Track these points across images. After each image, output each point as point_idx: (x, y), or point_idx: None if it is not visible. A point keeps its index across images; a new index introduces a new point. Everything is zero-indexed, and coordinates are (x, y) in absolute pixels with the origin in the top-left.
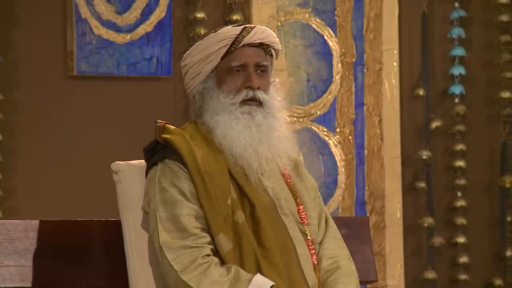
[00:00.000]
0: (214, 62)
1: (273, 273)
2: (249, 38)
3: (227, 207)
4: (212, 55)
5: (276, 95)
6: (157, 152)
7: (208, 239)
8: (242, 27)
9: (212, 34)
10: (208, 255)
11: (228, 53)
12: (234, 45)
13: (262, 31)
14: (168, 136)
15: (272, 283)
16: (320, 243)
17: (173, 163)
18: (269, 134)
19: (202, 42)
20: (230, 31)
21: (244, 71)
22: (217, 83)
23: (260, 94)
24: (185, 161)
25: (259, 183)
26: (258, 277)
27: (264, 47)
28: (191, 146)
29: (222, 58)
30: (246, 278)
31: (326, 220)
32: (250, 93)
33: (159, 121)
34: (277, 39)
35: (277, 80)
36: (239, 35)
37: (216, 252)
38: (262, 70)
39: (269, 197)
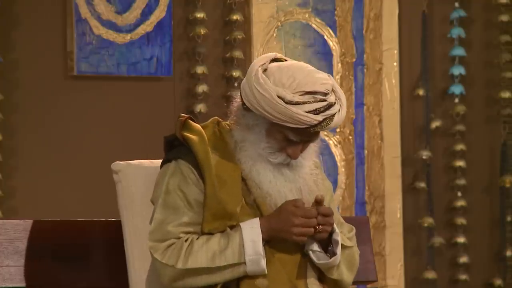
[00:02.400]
0: (281, 121)
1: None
2: (323, 129)
3: (235, 214)
4: (280, 120)
5: (313, 146)
6: (175, 147)
7: (190, 234)
8: (322, 118)
9: (304, 95)
10: (185, 237)
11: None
12: (304, 129)
13: (339, 120)
14: (187, 134)
15: (257, 218)
16: None
17: (186, 165)
18: (296, 181)
19: (287, 105)
20: (309, 120)
21: (292, 143)
22: (268, 131)
23: (295, 161)
24: (200, 164)
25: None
26: (243, 222)
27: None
28: (208, 149)
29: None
30: (233, 231)
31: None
32: (287, 161)
33: (182, 115)
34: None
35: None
36: (317, 125)
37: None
38: (308, 141)
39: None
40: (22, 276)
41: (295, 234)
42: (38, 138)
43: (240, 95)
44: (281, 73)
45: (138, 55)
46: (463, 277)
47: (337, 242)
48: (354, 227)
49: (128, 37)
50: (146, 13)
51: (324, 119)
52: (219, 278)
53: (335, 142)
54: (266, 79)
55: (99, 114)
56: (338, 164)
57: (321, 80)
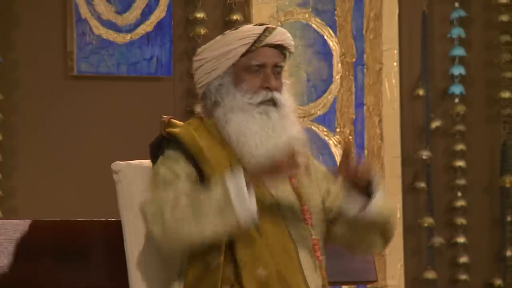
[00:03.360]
0: (233, 59)
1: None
2: (270, 39)
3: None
4: (232, 52)
5: (289, 96)
6: (162, 147)
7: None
8: (264, 26)
9: (232, 31)
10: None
11: (248, 51)
12: (256, 44)
13: (283, 32)
14: (172, 129)
15: (240, 167)
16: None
17: (173, 153)
18: (282, 136)
19: (222, 38)
20: (252, 30)
21: (262, 71)
22: (234, 80)
23: (277, 96)
24: (188, 148)
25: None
26: (227, 173)
27: (281, 49)
28: (195, 137)
29: (241, 56)
30: (216, 179)
31: None
32: (269, 95)
33: (164, 116)
34: (293, 42)
35: (287, 81)
36: (261, 34)
37: None
38: (278, 71)
39: (269, 195)
40: (22, 276)
41: (281, 169)
42: (38, 138)
43: (201, 98)
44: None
45: (138, 55)
46: (463, 277)
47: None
48: None
49: (128, 37)
50: (146, 13)
51: (266, 28)
52: (210, 228)
53: (335, 142)
54: (202, 49)
55: (99, 114)
56: (338, 164)
57: None
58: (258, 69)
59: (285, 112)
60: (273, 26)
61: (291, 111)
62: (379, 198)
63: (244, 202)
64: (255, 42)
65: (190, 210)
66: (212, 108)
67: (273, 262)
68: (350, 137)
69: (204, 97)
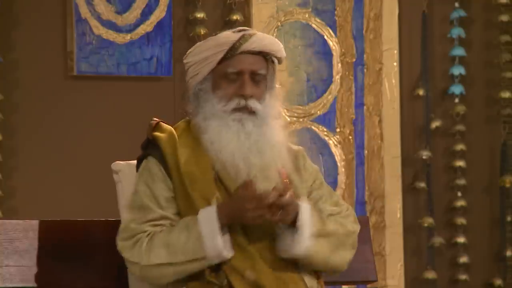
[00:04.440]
0: (212, 65)
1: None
2: (247, 46)
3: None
4: (210, 58)
5: (272, 103)
6: (148, 147)
7: (156, 228)
8: (241, 33)
9: (213, 36)
10: (149, 231)
11: (225, 58)
12: (231, 51)
13: (262, 38)
14: (156, 133)
15: (214, 206)
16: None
17: (154, 163)
18: (260, 142)
19: (203, 43)
20: (229, 37)
21: (239, 78)
22: (212, 86)
23: (253, 104)
24: (166, 160)
25: None
26: (201, 212)
27: (264, 55)
28: (176, 146)
29: (219, 63)
30: (192, 222)
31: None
32: (242, 102)
33: (154, 119)
34: (280, 46)
35: (278, 86)
36: (237, 41)
37: None
38: (258, 79)
39: (255, 179)
40: (22, 276)
41: (250, 219)
42: (38, 138)
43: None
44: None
45: (138, 55)
46: (463, 277)
47: (300, 227)
48: (351, 208)
49: (128, 37)
50: (146, 13)
51: (242, 36)
52: (186, 270)
53: (335, 142)
54: (186, 57)
55: (99, 114)
56: (338, 164)
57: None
58: (236, 76)
59: (263, 119)
60: (253, 32)
61: (272, 117)
62: (306, 238)
63: (218, 254)
64: (230, 49)
65: (164, 259)
66: (195, 113)
67: (264, 264)
68: (350, 137)
69: (189, 101)
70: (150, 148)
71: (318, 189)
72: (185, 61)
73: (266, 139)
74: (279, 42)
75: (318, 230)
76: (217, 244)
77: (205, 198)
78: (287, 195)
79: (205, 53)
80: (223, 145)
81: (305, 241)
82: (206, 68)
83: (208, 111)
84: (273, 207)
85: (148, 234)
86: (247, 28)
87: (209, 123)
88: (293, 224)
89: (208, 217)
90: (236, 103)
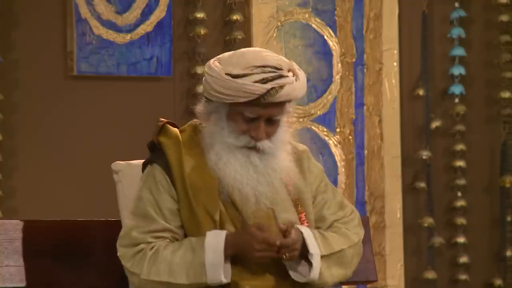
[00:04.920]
0: (231, 102)
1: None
2: (272, 99)
3: (214, 222)
4: (231, 97)
5: (283, 133)
6: (154, 151)
7: (158, 241)
8: (270, 86)
9: (240, 77)
10: (151, 242)
11: (246, 103)
12: (255, 101)
13: (290, 91)
14: (162, 139)
15: (225, 231)
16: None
17: (159, 171)
18: (267, 174)
19: (231, 80)
20: (256, 89)
21: (254, 121)
22: (228, 116)
23: (262, 145)
24: (172, 170)
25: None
26: (209, 237)
27: (287, 101)
28: (181, 154)
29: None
30: (198, 245)
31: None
32: (252, 143)
33: (161, 119)
34: (304, 90)
35: (291, 109)
36: (264, 94)
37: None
38: (274, 120)
39: (265, 206)
40: (22, 276)
41: (256, 257)
42: (38, 138)
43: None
44: (232, 56)
45: (138, 55)
46: (463, 277)
47: (311, 263)
48: (356, 211)
49: (128, 37)
50: (146, 13)
51: (272, 88)
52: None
53: (335, 142)
54: (217, 64)
55: (99, 114)
56: (338, 164)
57: (274, 56)
58: (251, 119)
59: (272, 155)
60: (284, 82)
61: (280, 148)
62: (317, 265)
63: (219, 283)
64: (256, 99)
65: (165, 277)
66: (204, 117)
67: (267, 273)
68: (350, 137)
69: (205, 101)
70: (155, 154)
71: (323, 192)
72: (211, 72)
73: (273, 170)
74: (305, 85)
75: (327, 254)
76: (219, 274)
77: (208, 212)
78: (292, 233)
79: (227, 90)
80: (228, 173)
81: (317, 267)
82: (225, 100)
83: (217, 133)
84: (281, 248)
85: (152, 247)
86: (280, 73)
87: (215, 145)
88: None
89: (215, 246)
90: (247, 141)
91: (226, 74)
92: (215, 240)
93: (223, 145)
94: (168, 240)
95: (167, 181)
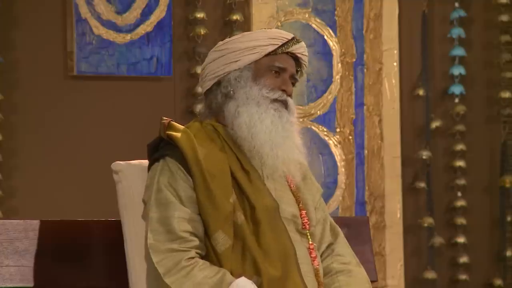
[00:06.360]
0: (258, 55)
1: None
2: (296, 48)
3: (230, 204)
4: (258, 48)
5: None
6: (161, 148)
7: (195, 243)
8: (292, 35)
9: (261, 30)
10: (193, 258)
11: (273, 52)
12: (282, 48)
13: (305, 48)
14: (172, 133)
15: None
16: (329, 246)
17: (173, 162)
18: (288, 139)
19: (251, 33)
20: (283, 34)
21: (281, 75)
22: (254, 76)
23: (290, 101)
24: (187, 159)
25: (262, 185)
26: (241, 280)
27: (298, 63)
28: (194, 144)
29: (266, 55)
30: (228, 281)
31: (333, 227)
32: (284, 96)
33: (164, 118)
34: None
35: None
36: (290, 40)
37: (206, 255)
38: (293, 82)
39: (271, 199)
40: (22, 276)
41: None
42: (38, 138)
43: (206, 93)
44: (239, 35)
45: (138, 55)
46: (463, 277)
47: None
48: (339, 230)
49: (128, 37)
50: (146, 13)
51: (294, 37)
52: None
53: (335, 142)
54: (227, 39)
55: (99, 114)
56: (338, 164)
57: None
58: (278, 72)
59: (293, 119)
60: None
61: (296, 120)
62: None
63: None
64: (282, 45)
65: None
66: (222, 102)
67: (272, 268)
68: (350, 137)
69: (210, 92)
70: (166, 148)
71: (321, 210)
72: (219, 48)
73: (293, 136)
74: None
75: None
76: None
77: (224, 194)
78: None
79: (253, 42)
80: (260, 130)
81: None
82: (250, 57)
83: (245, 96)
84: None
85: (189, 260)
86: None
87: (244, 109)
88: None
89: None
90: (279, 94)
91: (245, 33)
92: (244, 282)
93: (253, 103)
94: (199, 250)
95: (183, 171)
